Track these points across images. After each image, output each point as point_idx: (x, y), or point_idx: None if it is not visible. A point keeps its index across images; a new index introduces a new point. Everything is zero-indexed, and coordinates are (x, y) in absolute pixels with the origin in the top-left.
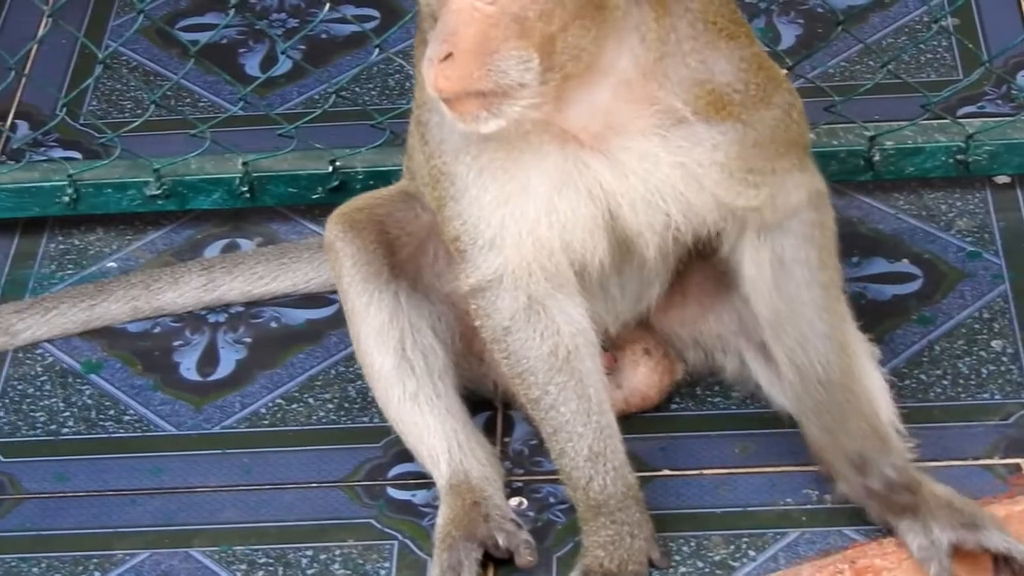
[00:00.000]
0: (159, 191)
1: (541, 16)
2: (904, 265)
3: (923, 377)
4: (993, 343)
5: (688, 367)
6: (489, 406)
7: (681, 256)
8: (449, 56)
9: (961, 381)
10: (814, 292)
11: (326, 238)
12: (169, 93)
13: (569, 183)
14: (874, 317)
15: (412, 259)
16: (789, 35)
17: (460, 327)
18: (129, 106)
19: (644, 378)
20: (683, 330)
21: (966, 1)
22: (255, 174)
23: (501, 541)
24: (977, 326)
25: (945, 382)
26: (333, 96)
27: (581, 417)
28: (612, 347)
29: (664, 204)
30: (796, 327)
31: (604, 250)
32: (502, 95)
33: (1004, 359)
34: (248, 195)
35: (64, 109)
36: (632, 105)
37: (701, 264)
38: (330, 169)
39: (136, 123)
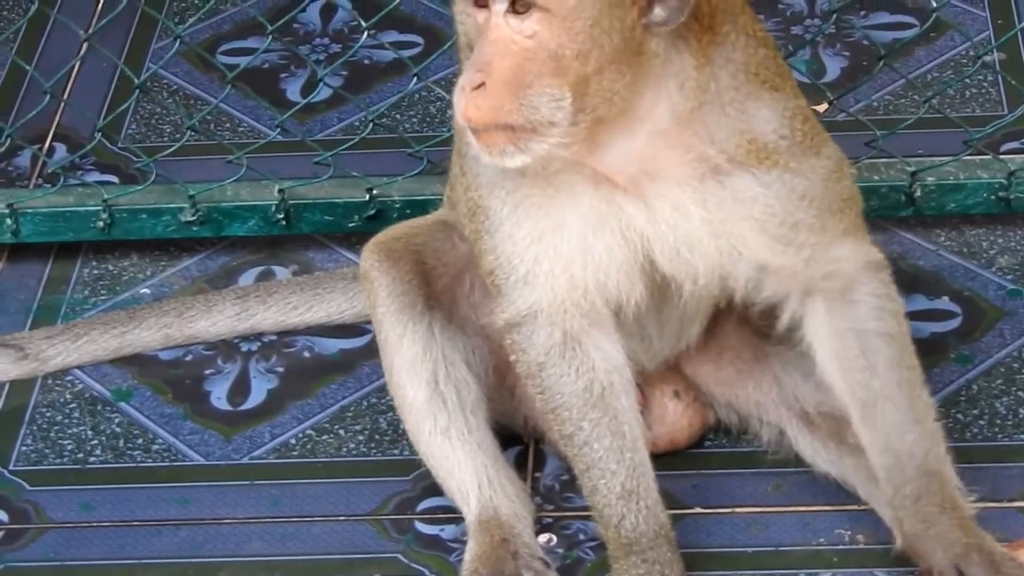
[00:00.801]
0: (194, 217)
1: (578, 55)
2: (944, 302)
3: (960, 416)
4: None
5: (721, 422)
6: (520, 440)
7: (722, 301)
8: (481, 85)
9: (998, 421)
10: (903, 373)
11: (361, 267)
12: (209, 117)
13: (604, 224)
14: None
15: (448, 290)
16: (835, 67)
17: (494, 360)
18: (168, 130)
19: (672, 421)
20: (717, 390)
21: (1012, 36)
22: (291, 201)
23: None
24: (1016, 365)
25: (982, 422)
26: (371, 124)
27: (615, 454)
28: (643, 385)
29: (691, 256)
30: (892, 411)
31: (640, 291)
32: (531, 131)
33: None
34: (284, 222)
35: (100, 133)
36: (668, 152)
37: (739, 329)
38: (367, 197)
39: (172, 148)
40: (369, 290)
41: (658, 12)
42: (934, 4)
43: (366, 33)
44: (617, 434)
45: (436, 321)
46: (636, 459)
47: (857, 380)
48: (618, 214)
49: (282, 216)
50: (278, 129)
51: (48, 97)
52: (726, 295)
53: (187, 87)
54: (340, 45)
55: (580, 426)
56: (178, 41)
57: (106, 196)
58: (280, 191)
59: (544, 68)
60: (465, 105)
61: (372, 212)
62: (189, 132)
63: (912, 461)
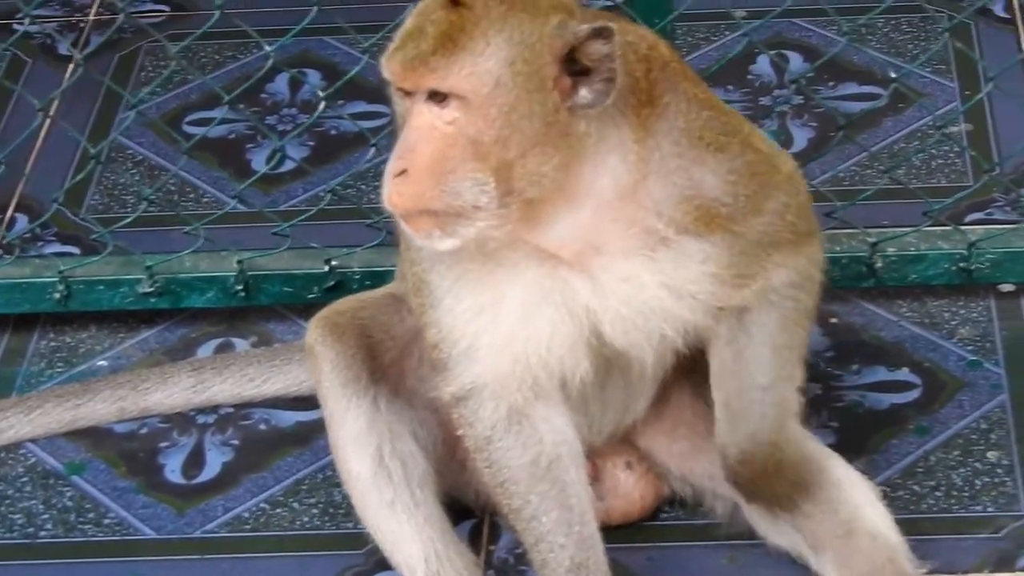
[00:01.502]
0: (152, 289)
1: (497, 141)
2: (904, 374)
3: (916, 488)
4: (989, 454)
5: (676, 494)
6: (474, 514)
7: (668, 370)
8: (405, 172)
9: (955, 493)
10: (763, 350)
11: (306, 341)
12: (173, 188)
13: (547, 299)
14: (871, 427)
15: (395, 363)
16: (802, 138)
17: (443, 433)
18: (132, 201)
19: (625, 493)
20: (672, 462)
21: (979, 109)
22: (250, 273)
23: None
24: (974, 436)
25: (938, 493)
26: (328, 195)
27: (563, 527)
28: (595, 456)
29: (653, 322)
30: (736, 376)
31: (586, 367)
32: (456, 216)
33: (999, 471)
34: (243, 294)
35: (58, 203)
36: (615, 225)
37: (693, 402)
38: (326, 268)
39: (129, 219)
40: (314, 365)
41: (584, 95)
42: (892, 75)
43: (323, 104)
44: (565, 507)
45: (382, 395)
46: (585, 532)
47: (716, 353)
48: (562, 289)
49: (241, 287)
50: (235, 200)
51: (3, 167)
52: (673, 361)
53: (152, 157)
54: (308, 115)
55: (528, 499)
56: (135, 112)
57: (62, 267)
58: (239, 262)
59: (465, 154)
60: (389, 192)
61: (332, 283)
62: (146, 203)
63: (744, 423)
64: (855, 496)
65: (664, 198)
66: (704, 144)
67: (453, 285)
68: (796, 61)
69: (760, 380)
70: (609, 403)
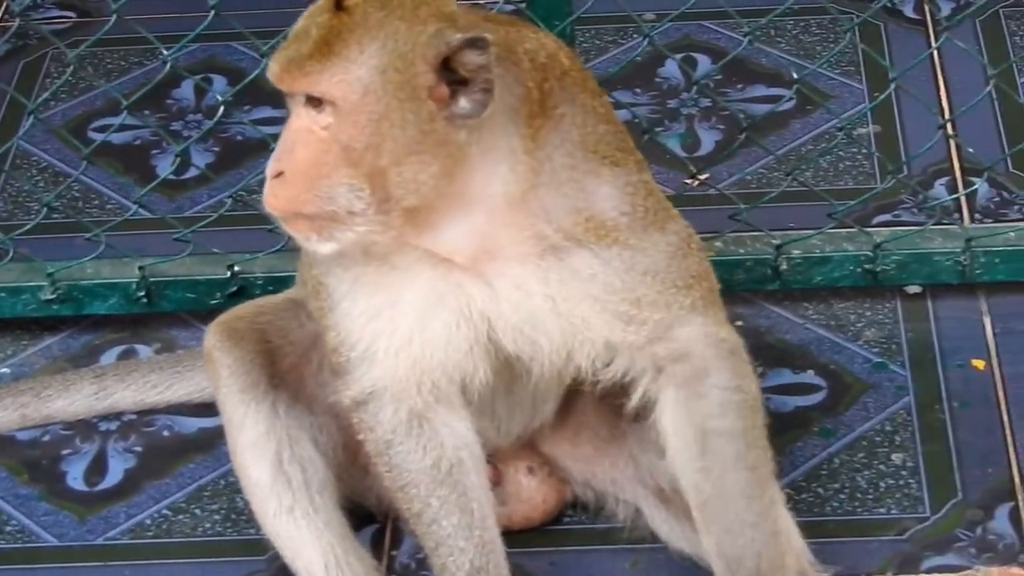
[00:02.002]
0: (54, 296)
1: (368, 148)
2: (809, 376)
3: (820, 491)
4: (893, 456)
5: (579, 498)
6: (377, 518)
7: (575, 379)
8: (281, 174)
9: (859, 495)
10: (741, 475)
11: (204, 347)
12: (77, 195)
13: (442, 303)
14: (776, 429)
15: (295, 369)
16: (709, 141)
17: (344, 438)
18: (36, 207)
19: (527, 498)
20: (574, 466)
21: (888, 111)
22: (152, 279)
23: None
24: (879, 439)
25: (843, 496)
26: (230, 200)
27: (463, 531)
28: (497, 461)
29: (534, 335)
30: (724, 515)
31: (485, 371)
32: (330, 220)
33: (903, 473)
34: (146, 300)
35: None
36: (506, 231)
37: (597, 407)
38: (228, 274)
39: (28, 226)
40: (212, 371)
41: (463, 104)
42: (795, 76)
43: (222, 108)
44: (466, 511)
45: (281, 400)
46: (486, 536)
47: (693, 480)
48: (457, 293)
49: (143, 294)
50: (136, 206)
51: None
52: (575, 373)
53: (57, 164)
54: (212, 121)
55: (428, 503)
56: (32, 118)
57: None
58: (140, 268)
59: (339, 160)
60: (266, 194)
61: (234, 289)
62: (46, 209)
63: (743, 566)
64: None
65: (554, 207)
66: (599, 157)
67: (350, 288)
68: (704, 64)
69: (748, 516)
70: (516, 406)
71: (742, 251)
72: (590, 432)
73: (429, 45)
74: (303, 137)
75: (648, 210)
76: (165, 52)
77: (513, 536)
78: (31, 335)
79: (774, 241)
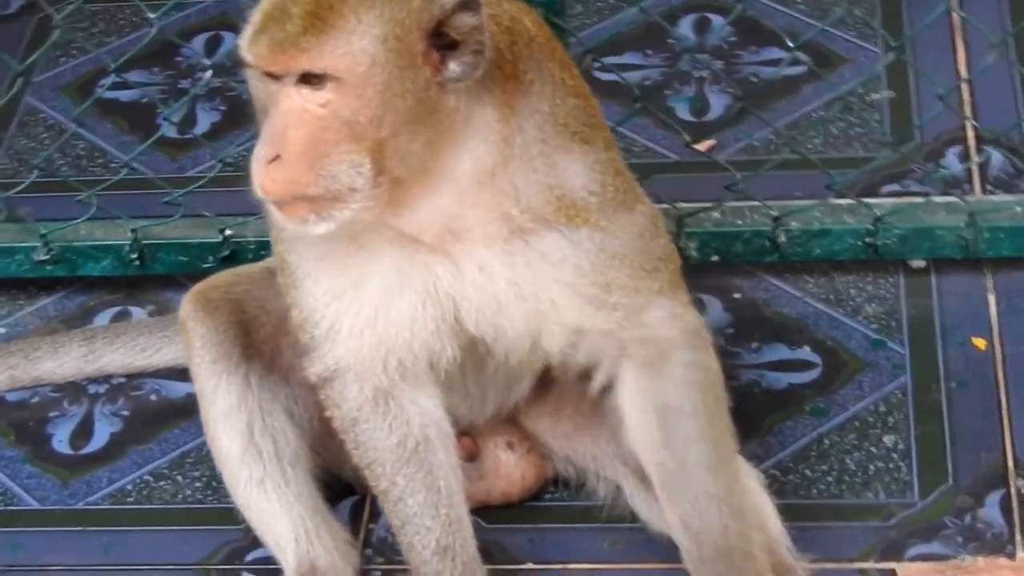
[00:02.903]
0: (47, 256)
1: (372, 121)
2: (805, 352)
3: (808, 472)
4: (885, 438)
5: (559, 475)
6: (356, 491)
7: (545, 361)
8: (277, 158)
9: (847, 478)
10: (703, 448)
11: (179, 316)
12: (82, 153)
13: (408, 283)
14: (767, 407)
15: (270, 339)
16: (719, 105)
17: (319, 410)
18: (42, 165)
19: (505, 473)
20: (555, 443)
21: (903, 75)
22: (145, 241)
23: None
24: (871, 419)
25: (830, 478)
26: (220, 164)
27: (430, 509)
28: (476, 435)
29: (497, 318)
30: (688, 489)
31: (452, 351)
32: (332, 200)
33: (894, 456)
34: (138, 263)
35: None
36: (474, 211)
37: (579, 383)
38: (220, 238)
39: (21, 186)
40: (186, 340)
41: (453, 68)
42: (802, 36)
43: (209, 73)
44: (432, 489)
45: (254, 371)
46: (453, 514)
47: (657, 457)
48: (423, 274)
49: (136, 256)
50: (125, 169)
51: None
52: (541, 356)
53: (63, 122)
54: (223, 80)
55: (394, 481)
56: (21, 79)
57: None
58: (133, 231)
59: (340, 136)
60: (262, 179)
61: (226, 253)
62: (37, 171)
63: (708, 539)
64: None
65: (524, 186)
66: (569, 132)
67: (314, 266)
68: (719, 24)
69: (713, 489)
70: (488, 384)
71: (740, 222)
72: (571, 408)
73: (423, 10)
74: (297, 118)
75: (618, 189)
76: (152, 16)
77: (492, 512)
78: (27, 295)
79: (772, 213)
